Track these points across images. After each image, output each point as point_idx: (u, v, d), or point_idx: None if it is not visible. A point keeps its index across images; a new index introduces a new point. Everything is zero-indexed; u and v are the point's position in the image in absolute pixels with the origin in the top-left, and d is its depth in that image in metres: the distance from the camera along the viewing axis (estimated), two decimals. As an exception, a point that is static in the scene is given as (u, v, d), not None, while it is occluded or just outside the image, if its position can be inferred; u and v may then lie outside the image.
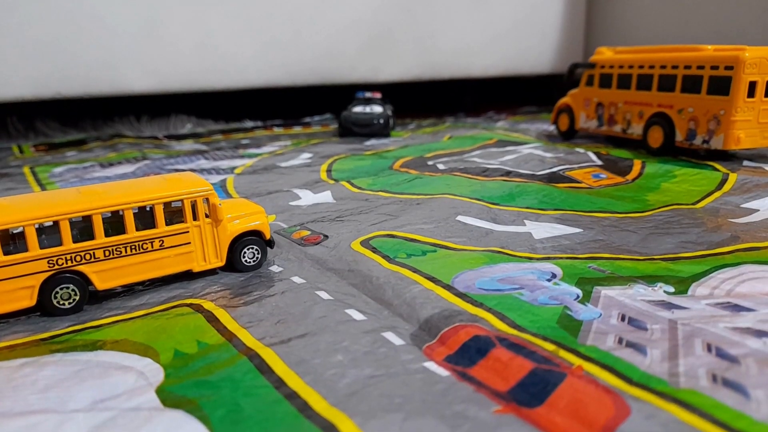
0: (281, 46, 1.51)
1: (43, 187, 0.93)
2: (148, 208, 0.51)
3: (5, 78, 1.26)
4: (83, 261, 0.48)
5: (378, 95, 1.48)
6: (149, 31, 1.37)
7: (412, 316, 0.44)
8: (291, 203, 0.78)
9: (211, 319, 0.45)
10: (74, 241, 0.47)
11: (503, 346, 0.39)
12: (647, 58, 1.07)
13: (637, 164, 0.96)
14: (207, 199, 0.53)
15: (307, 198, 0.81)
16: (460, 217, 0.69)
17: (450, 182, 0.87)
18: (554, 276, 0.51)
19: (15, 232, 0.46)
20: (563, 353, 0.38)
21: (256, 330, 0.43)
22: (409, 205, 0.74)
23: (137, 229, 0.50)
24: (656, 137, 1.04)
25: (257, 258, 0.56)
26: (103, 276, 0.49)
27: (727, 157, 0.98)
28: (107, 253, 0.48)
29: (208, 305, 0.48)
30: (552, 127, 1.36)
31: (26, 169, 1.07)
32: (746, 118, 0.93)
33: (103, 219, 0.48)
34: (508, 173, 0.93)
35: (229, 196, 0.84)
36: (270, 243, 0.57)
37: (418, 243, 0.60)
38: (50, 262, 0.46)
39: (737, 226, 0.64)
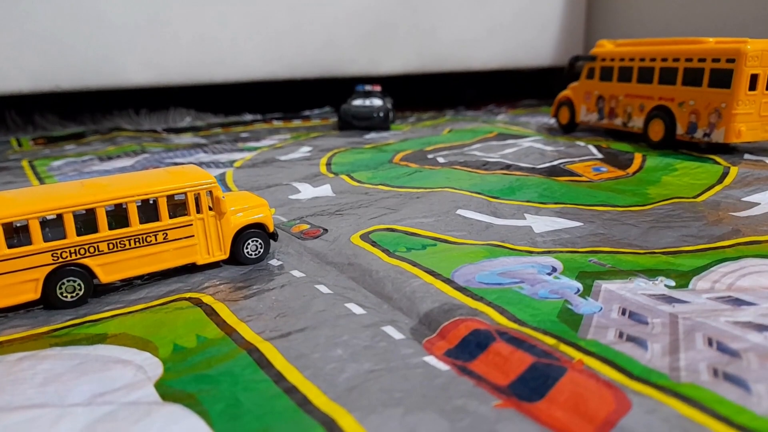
0: (281, 38, 1.51)
1: (41, 181, 0.92)
2: (151, 201, 0.51)
3: (3, 71, 1.25)
4: (87, 254, 0.48)
5: (378, 88, 1.48)
6: (148, 23, 1.36)
7: (412, 310, 0.44)
8: (290, 197, 0.78)
9: (211, 313, 0.45)
10: (78, 234, 0.47)
11: (503, 340, 0.39)
12: (648, 51, 1.07)
13: (637, 157, 0.96)
14: (210, 192, 0.52)
15: (306, 191, 0.81)
16: (460, 211, 0.69)
17: (450, 176, 0.87)
18: (554, 270, 0.51)
19: (19, 225, 0.46)
20: (564, 347, 0.38)
21: (255, 324, 0.43)
22: (408, 198, 0.74)
23: (141, 222, 0.49)
24: (657, 130, 1.04)
25: (260, 251, 0.56)
26: (107, 269, 0.49)
27: (728, 150, 0.98)
28: (111, 246, 0.48)
29: (207, 299, 0.48)
30: (552, 121, 1.35)
31: (25, 163, 1.07)
32: (747, 111, 0.92)
33: (106, 212, 0.48)
34: (508, 167, 0.92)
35: (229, 189, 0.84)
36: (273, 236, 0.57)
37: (418, 237, 0.60)
38: (54, 255, 0.46)
39: (738, 219, 0.64)
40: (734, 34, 1.20)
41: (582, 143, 1.10)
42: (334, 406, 0.33)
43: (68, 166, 1.03)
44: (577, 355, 0.37)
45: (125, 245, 0.49)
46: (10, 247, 0.45)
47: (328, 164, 1.00)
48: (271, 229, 0.57)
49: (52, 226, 0.47)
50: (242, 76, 1.50)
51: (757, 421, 0.30)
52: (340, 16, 1.56)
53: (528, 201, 0.73)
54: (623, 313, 0.43)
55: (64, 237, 0.47)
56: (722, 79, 0.93)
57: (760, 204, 0.69)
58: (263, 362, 0.37)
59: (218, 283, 0.51)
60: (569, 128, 1.26)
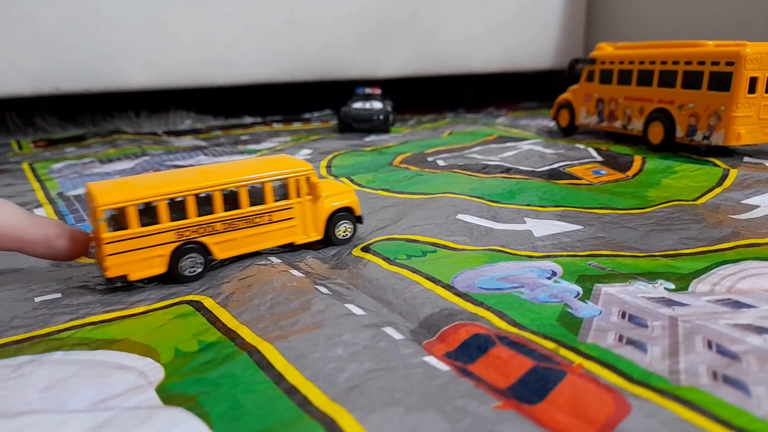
0: (281, 40, 1.51)
1: (42, 183, 0.92)
2: (258, 186, 0.55)
3: (4, 73, 1.25)
4: (206, 233, 0.52)
5: (378, 91, 1.48)
6: (148, 25, 1.36)
7: (412, 315, 0.44)
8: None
9: (211, 316, 0.45)
10: (198, 215, 0.52)
11: (503, 344, 0.39)
12: (648, 54, 1.07)
13: (637, 160, 0.96)
14: (308, 178, 0.57)
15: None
16: (460, 216, 0.69)
17: (450, 180, 0.87)
18: (554, 274, 0.51)
19: (148, 206, 0.51)
20: (563, 351, 0.38)
21: (255, 326, 0.43)
22: (409, 207, 0.73)
23: (250, 205, 0.54)
24: (657, 133, 1.04)
25: (349, 233, 0.61)
26: (221, 247, 0.54)
27: (728, 153, 0.98)
28: (225, 225, 0.53)
29: (208, 302, 0.48)
30: (552, 123, 1.36)
31: (25, 165, 1.07)
32: (747, 114, 0.92)
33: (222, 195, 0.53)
34: (508, 170, 0.92)
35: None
36: (360, 219, 0.61)
37: (418, 243, 0.60)
38: (178, 233, 0.51)
39: (738, 222, 0.64)
40: (734, 36, 1.20)
41: (582, 146, 1.11)
42: (335, 406, 0.33)
43: (68, 168, 1.03)
44: (576, 359, 0.37)
45: (236, 225, 0.54)
46: (142, 225, 0.50)
47: (329, 167, 1.00)
48: (359, 213, 0.61)
49: (176, 208, 0.52)
50: (242, 79, 1.50)
51: (756, 423, 0.30)
52: (341, 17, 1.56)
53: (528, 205, 0.73)
54: (623, 316, 0.43)
55: (186, 217, 0.52)
56: (722, 82, 0.93)
57: (759, 206, 0.69)
58: (264, 363, 0.38)
59: (218, 285, 0.51)
60: (569, 131, 1.26)
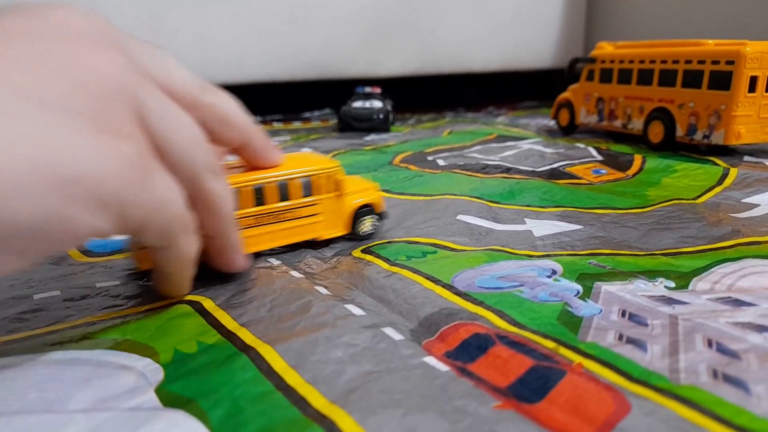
0: (281, 39, 1.51)
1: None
2: (286, 182, 0.56)
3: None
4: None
5: (378, 90, 1.48)
6: (147, 24, 1.36)
7: (411, 314, 0.44)
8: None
9: (211, 317, 0.45)
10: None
11: (503, 343, 0.39)
12: (648, 53, 1.07)
13: (637, 159, 0.96)
14: (334, 175, 0.58)
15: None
16: (460, 216, 0.69)
17: (450, 180, 0.87)
18: (554, 272, 0.51)
19: None
20: (563, 350, 0.38)
21: (255, 327, 0.43)
22: (410, 209, 0.73)
23: (277, 201, 0.56)
24: (657, 132, 1.04)
25: (372, 229, 0.62)
26: (250, 242, 0.54)
27: (728, 152, 0.98)
28: (254, 221, 0.55)
29: (207, 303, 0.48)
30: (552, 122, 1.36)
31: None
32: (747, 113, 0.92)
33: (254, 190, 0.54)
34: (508, 170, 0.92)
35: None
36: (383, 215, 0.63)
37: (418, 245, 0.60)
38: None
39: (738, 220, 0.64)
40: (734, 35, 1.20)
41: (582, 145, 1.10)
42: (334, 408, 0.33)
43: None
44: (576, 358, 0.37)
45: (263, 221, 0.55)
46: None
47: (329, 167, 1.00)
48: (382, 210, 0.63)
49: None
50: (242, 78, 1.50)
51: (756, 422, 0.30)
52: (340, 17, 1.56)
53: (528, 205, 0.73)
54: (623, 314, 0.43)
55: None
56: (722, 81, 0.93)
57: (759, 205, 0.69)
58: (263, 366, 0.38)
59: (218, 286, 0.51)
60: (569, 130, 1.26)
